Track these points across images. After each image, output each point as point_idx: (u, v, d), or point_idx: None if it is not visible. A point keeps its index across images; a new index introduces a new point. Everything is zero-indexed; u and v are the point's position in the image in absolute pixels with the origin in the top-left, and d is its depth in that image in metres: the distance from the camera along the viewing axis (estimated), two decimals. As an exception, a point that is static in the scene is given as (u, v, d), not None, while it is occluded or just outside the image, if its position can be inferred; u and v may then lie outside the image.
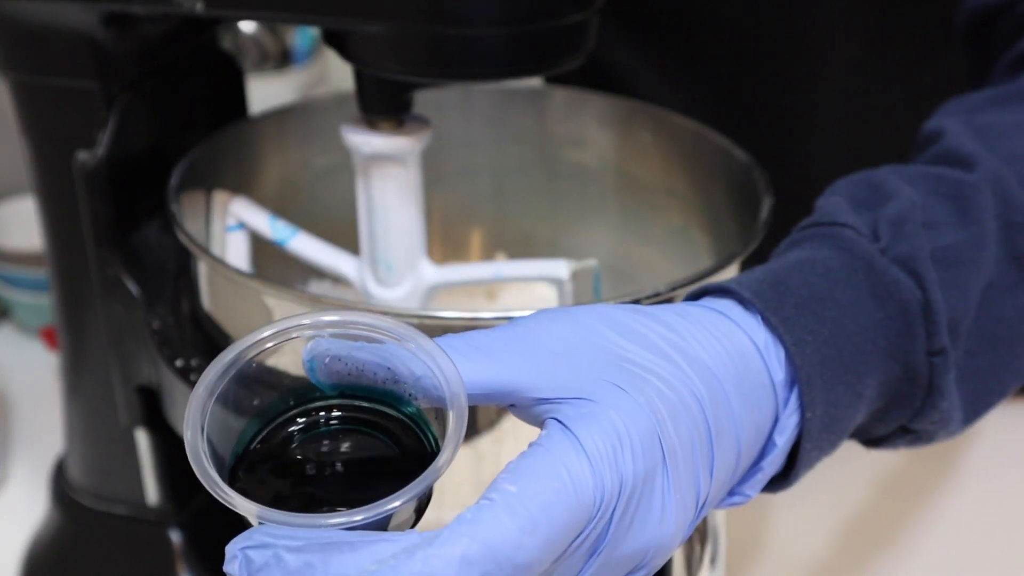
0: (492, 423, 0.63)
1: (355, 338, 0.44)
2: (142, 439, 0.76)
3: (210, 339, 0.71)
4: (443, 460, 0.41)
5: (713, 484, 0.47)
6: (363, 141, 0.68)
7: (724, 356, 0.48)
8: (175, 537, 0.78)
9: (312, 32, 1.29)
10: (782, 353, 0.50)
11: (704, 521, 0.70)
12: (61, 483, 0.82)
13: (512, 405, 0.46)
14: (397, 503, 0.40)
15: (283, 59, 1.29)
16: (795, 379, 0.50)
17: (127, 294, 0.71)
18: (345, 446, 0.45)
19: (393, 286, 0.71)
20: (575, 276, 0.69)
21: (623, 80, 0.96)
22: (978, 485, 0.91)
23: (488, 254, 0.89)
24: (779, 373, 0.50)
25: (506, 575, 0.40)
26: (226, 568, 0.41)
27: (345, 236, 0.76)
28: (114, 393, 0.74)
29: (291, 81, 1.29)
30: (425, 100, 0.73)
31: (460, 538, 0.40)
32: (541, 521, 0.41)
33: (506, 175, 0.87)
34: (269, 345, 0.44)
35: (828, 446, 0.52)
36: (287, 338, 0.44)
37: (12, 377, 1.04)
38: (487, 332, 0.46)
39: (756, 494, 0.51)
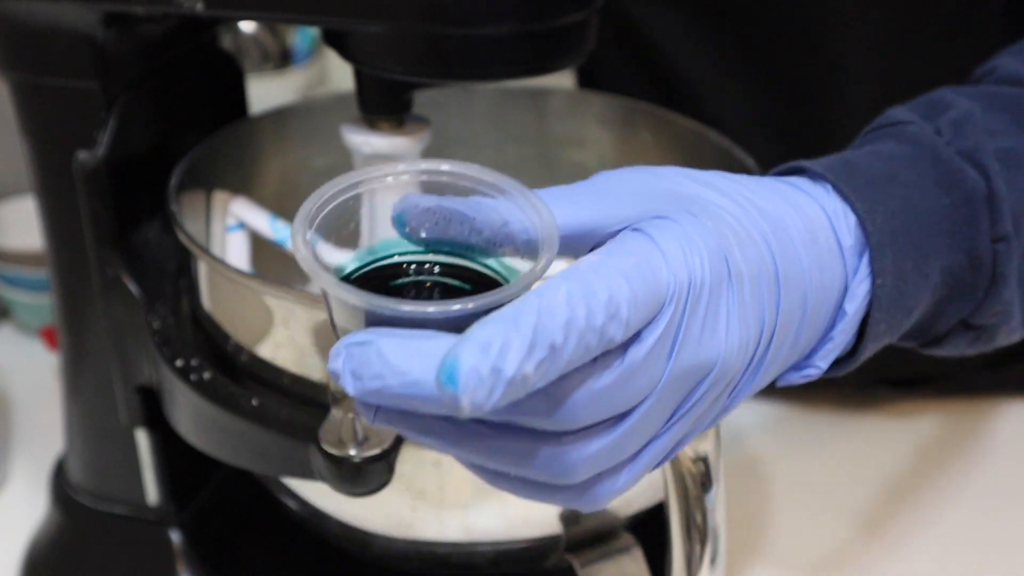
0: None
1: (446, 188, 0.46)
2: (142, 439, 0.76)
3: (210, 339, 0.71)
4: (538, 268, 0.42)
5: (779, 326, 0.48)
6: (363, 141, 0.68)
7: (794, 215, 0.49)
8: (175, 537, 0.78)
9: (312, 32, 1.29)
10: (852, 220, 0.51)
11: (704, 521, 0.70)
12: (61, 483, 0.82)
13: (593, 248, 0.47)
14: (472, 304, 0.41)
15: (283, 59, 1.29)
16: (865, 246, 0.51)
17: (127, 294, 0.71)
18: (438, 283, 0.46)
19: (393, 286, 0.71)
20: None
21: (652, 42, 0.95)
22: (981, 486, 0.91)
23: (488, 254, 0.88)
24: (848, 239, 0.51)
25: (609, 314, 0.41)
26: (330, 365, 0.42)
27: (345, 236, 0.76)
28: (114, 393, 0.74)
29: (291, 81, 1.29)
30: (425, 100, 0.73)
31: (559, 284, 0.41)
32: (623, 282, 0.42)
33: (506, 175, 0.87)
34: (389, 180, 0.46)
35: (895, 323, 0.53)
36: (399, 178, 0.46)
37: (12, 377, 1.04)
38: (570, 185, 0.49)
39: (827, 365, 0.52)
